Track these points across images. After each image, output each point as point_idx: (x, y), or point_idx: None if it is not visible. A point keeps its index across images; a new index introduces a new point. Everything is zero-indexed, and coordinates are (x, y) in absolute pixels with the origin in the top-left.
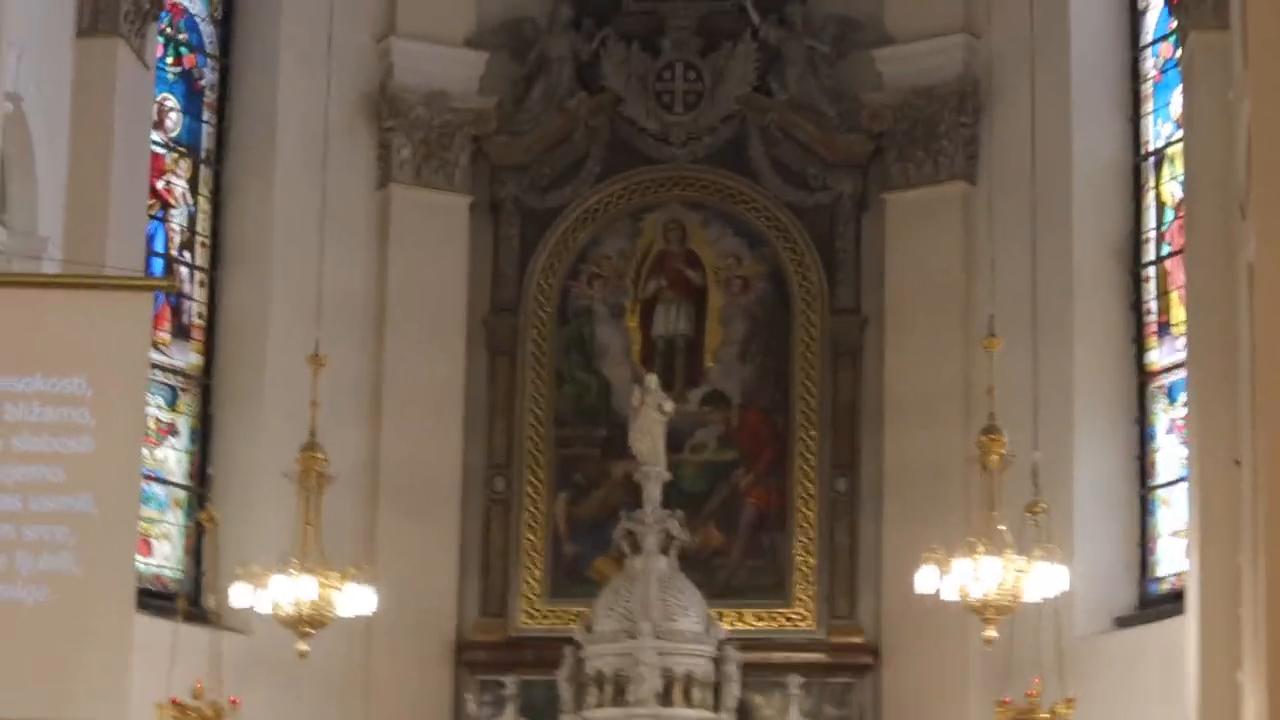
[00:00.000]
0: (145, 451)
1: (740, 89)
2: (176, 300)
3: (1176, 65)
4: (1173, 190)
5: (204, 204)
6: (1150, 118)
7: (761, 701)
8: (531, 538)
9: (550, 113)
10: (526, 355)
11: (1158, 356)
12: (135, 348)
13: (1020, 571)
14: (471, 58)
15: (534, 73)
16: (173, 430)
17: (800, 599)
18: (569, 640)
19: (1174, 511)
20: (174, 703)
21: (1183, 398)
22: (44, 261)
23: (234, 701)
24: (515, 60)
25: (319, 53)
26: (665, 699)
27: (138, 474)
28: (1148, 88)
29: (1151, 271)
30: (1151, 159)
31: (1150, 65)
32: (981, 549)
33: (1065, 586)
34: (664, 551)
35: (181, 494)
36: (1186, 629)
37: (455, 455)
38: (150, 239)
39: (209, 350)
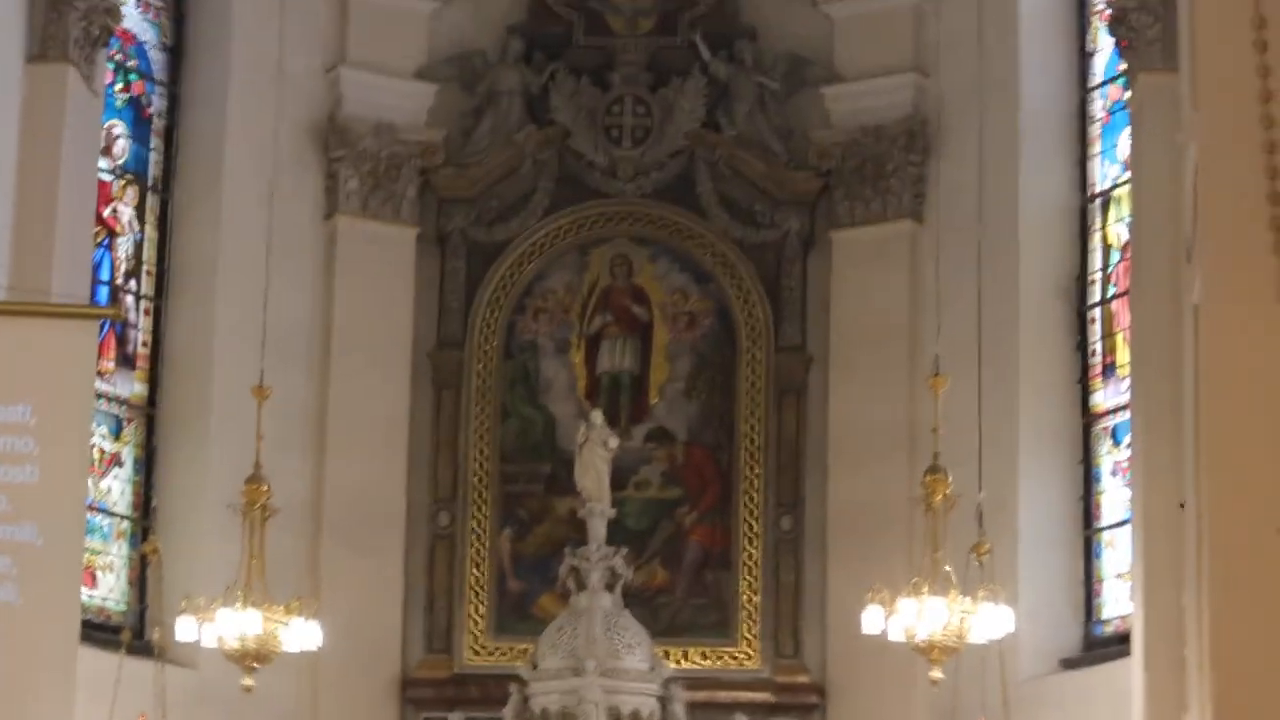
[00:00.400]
0: (90, 482)
1: (689, 124)
2: (121, 329)
3: (1125, 107)
4: (1119, 232)
5: (150, 232)
6: (1098, 159)
7: None
8: (476, 573)
9: (499, 146)
10: (471, 389)
11: (1103, 398)
12: (80, 376)
13: (965, 612)
14: (421, 90)
15: (483, 105)
16: (117, 460)
17: (745, 638)
18: (514, 677)
19: (1118, 553)
20: None
21: (1127, 439)
22: None
23: None
24: (465, 92)
25: (268, 81)
26: None
27: (82, 504)
28: (1096, 129)
29: (1097, 313)
30: (1099, 200)
31: (1099, 107)
32: (926, 589)
33: (1010, 628)
34: (609, 589)
35: (125, 525)
36: (1132, 671)
37: (399, 489)
38: (96, 267)
39: (153, 380)
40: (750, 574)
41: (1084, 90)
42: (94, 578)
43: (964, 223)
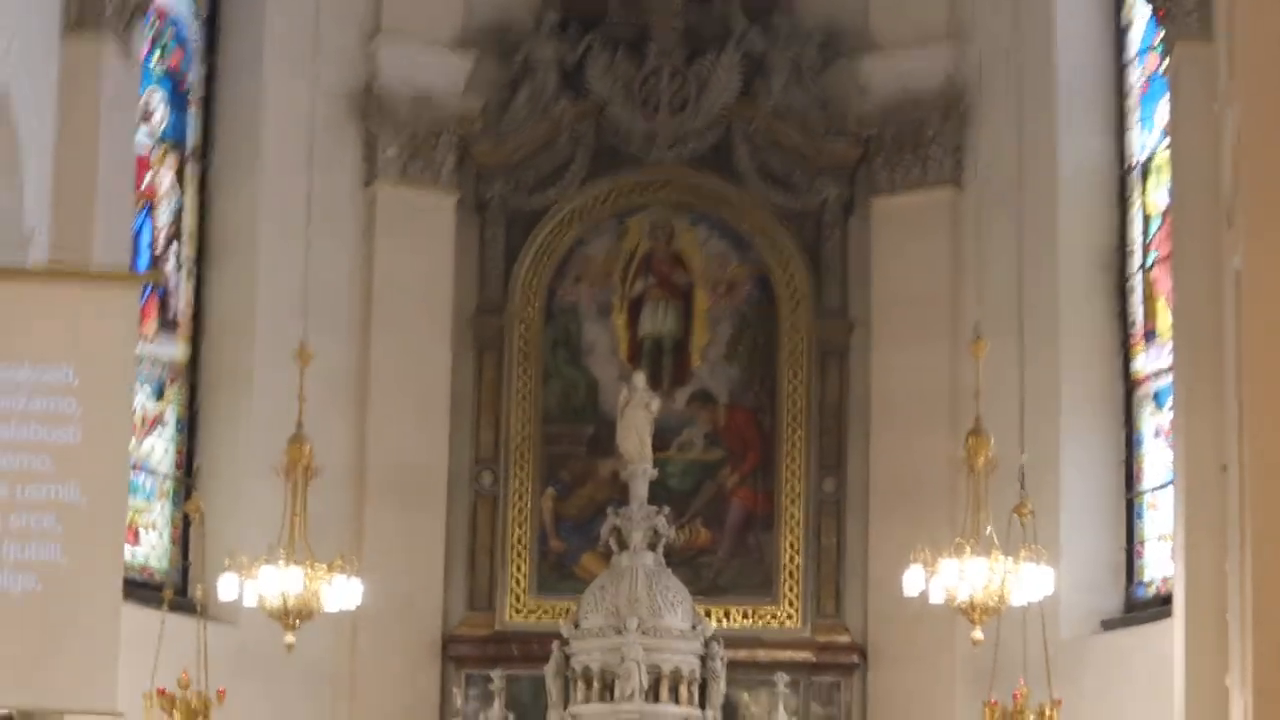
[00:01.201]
0: (132, 442)
1: (726, 97)
2: (164, 293)
3: (1162, 76)
4: (1158, 200)
5: (190, 199)
6: (1136, 128)
7: (748, 699)
8: (518, 532)
9: (536, 117)
10: (513, 352)
11: (1144, 363)
12: (122, 339)
13: (1007, 573)
14: (457, 59)
15: (519, 76)
16: (160, 421)
17: (787, 597)
18: (556, 636)
19: (1160, 516)
20: (160, 693)
21: (1169, 403)
22: (31, 253)
23: (220, 692)
24: (501, 63)
25: (305, 52)
26: (652, 695)
27: (125, 464)
28: (1133, 98)
29: (1138, 279)
30: (1137, 169)
31: (1136, 76)
32: (968, 551)
33: (1051, 589)
34: (651, 548)
35: (168, 484)
36: (1173, 633)
37: (442, 450)
38: (137, 233)
39: (195, 343)
40: (792, 534)
41: (1120, 59)
42: (137, 536)
43: (1003, 189)
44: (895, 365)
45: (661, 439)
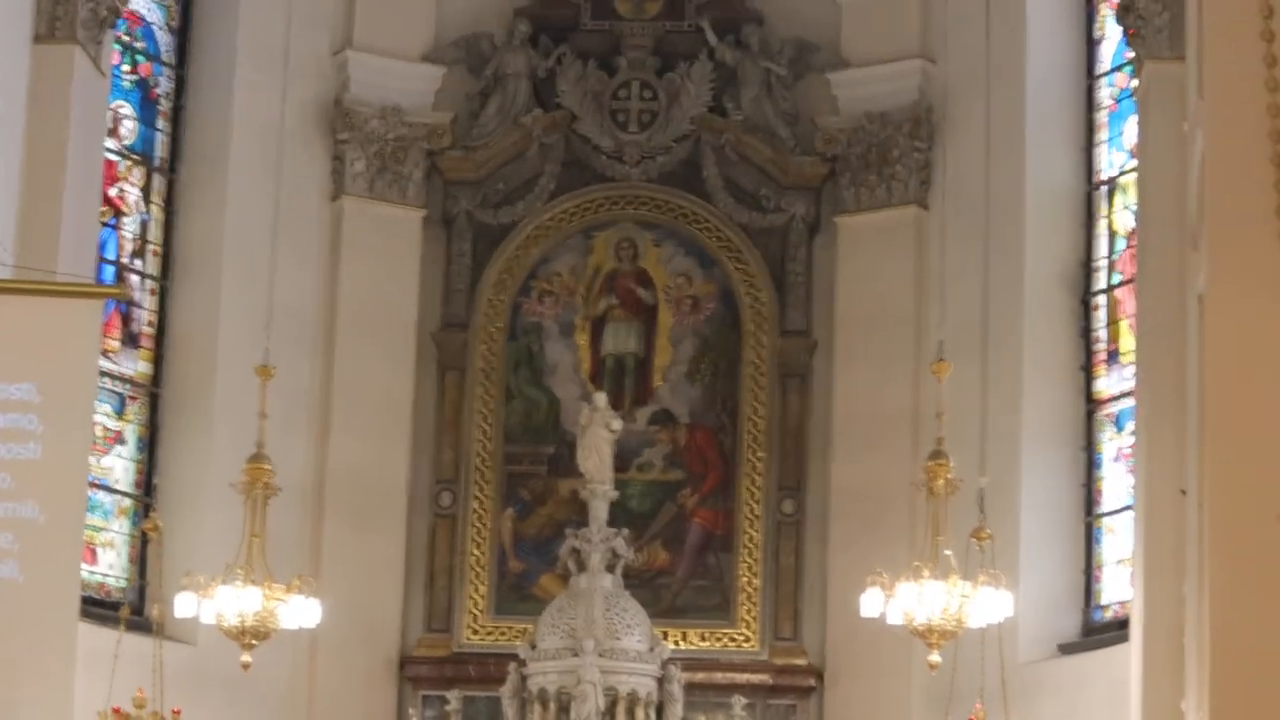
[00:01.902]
0: (92, 459)
1: (696, 109)
2: (127, 309)
3: (1132, 95)
4: (1124, 219)
5: (156, 212)
6: (1104, 146)
7: None
8: (477, 553)
9: (505, 129)
10: (476, 371)
11: (1106, 384)
12: (85, 355)
13: (965, 597)
14: (427, 72)
15: (490, 88)
16: (120, 439)
17: (745, 620)
18: (513, 657)
19: (1119, 539)
20: (116, 712)
21: (1130, 426)
22: None
23: (176, 712)
24: (471, 75)
25: (275, 64)
26: (608, 718)
27: (84, 482)
28: (1102, 116)
29: (1102, 300)
30: (1104, 188)
31: (1106, 94)
32: (926, 573)
33: (1010, 613)
34: (609, 570)
35: (127, 502)
36: (1130, 657)
37: (402, 469)
38: (102, 246)
39: (158, 359)
40: (751, 556)
41: (1090, 77)
42: (95, 554)
43: (969, 209)
44: (857, 386)
45: (622, 459)
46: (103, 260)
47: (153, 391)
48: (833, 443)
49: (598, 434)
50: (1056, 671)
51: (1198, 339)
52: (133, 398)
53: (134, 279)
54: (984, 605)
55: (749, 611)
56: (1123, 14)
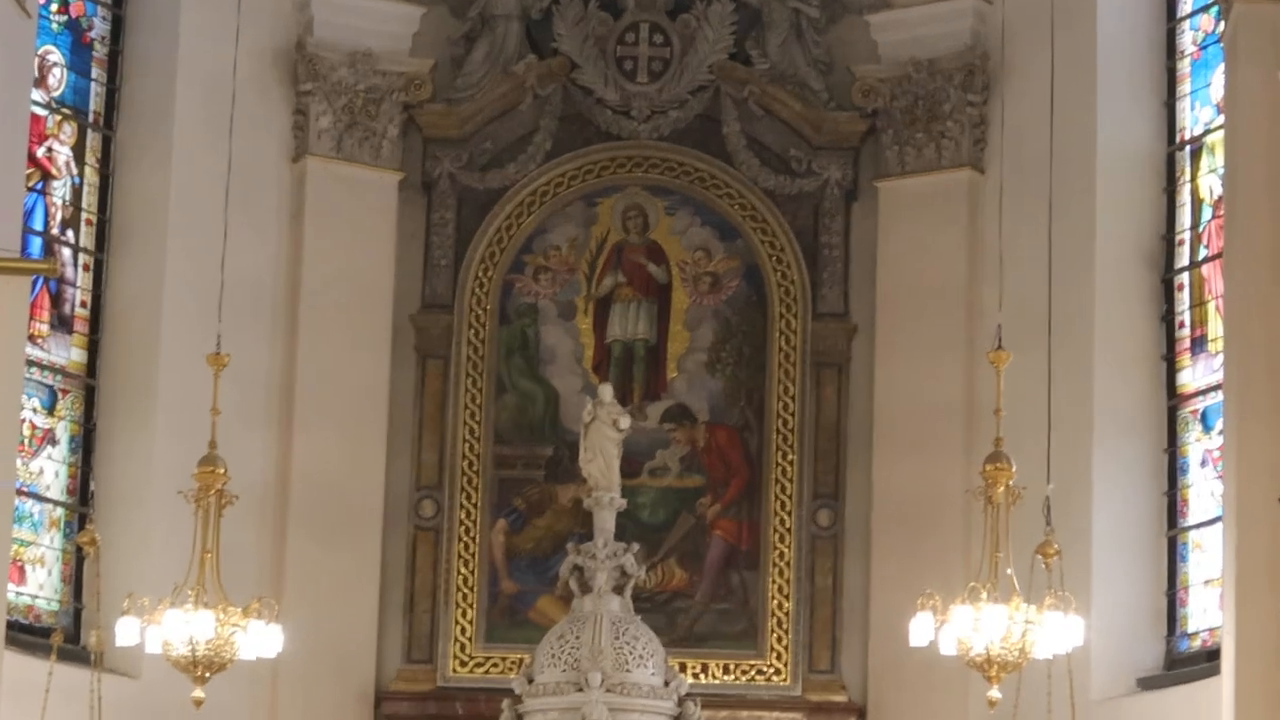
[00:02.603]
0: (19, 462)
1: (714, 56)
2: (57, 286)
3: (1218, 41)
4: (1211, 185)
5: (91, 175)
6: (1187, 100)
7: None
8: (464, 572)
9: (494, 79)
10: (462, 359)
11: (1191, 377)
12: (9, 340)
13: (1029, 623)
14: (403, 12)
15: (476, 32)
16: (51, 438)
17: (774, 649)
18: (506, 692)
19: (1207, 556)
20: None
21: (1219, 425)
22: None
23: None
24: (454, 17)
25: (227, 3)
26: None
27: (10, 489)
28: (1184, 66)
29: (1185, 278)
30: (1187, 148)
31: (1188, 40)
32: (984, 595)
33: (1081, 641)
34: (617, 591)
35: (60, 512)
36: (1220, 692)
37: (377, 474)
38: (28, 215)
39: (94, 345)
40: (781, 576)
41: (1171, 20)
42: (22, 573)
43: (1032, 172)
44: (903, 377)
45: (631, 462)
46: (29, 231)
47: (88, 383)
48: (875, 443)
49: (603, 433)
50: (1135, 709)
51: None
52: (65, 390)
53: (65, 252)
54: (1051, 633)
55: (779, 639)
56: None
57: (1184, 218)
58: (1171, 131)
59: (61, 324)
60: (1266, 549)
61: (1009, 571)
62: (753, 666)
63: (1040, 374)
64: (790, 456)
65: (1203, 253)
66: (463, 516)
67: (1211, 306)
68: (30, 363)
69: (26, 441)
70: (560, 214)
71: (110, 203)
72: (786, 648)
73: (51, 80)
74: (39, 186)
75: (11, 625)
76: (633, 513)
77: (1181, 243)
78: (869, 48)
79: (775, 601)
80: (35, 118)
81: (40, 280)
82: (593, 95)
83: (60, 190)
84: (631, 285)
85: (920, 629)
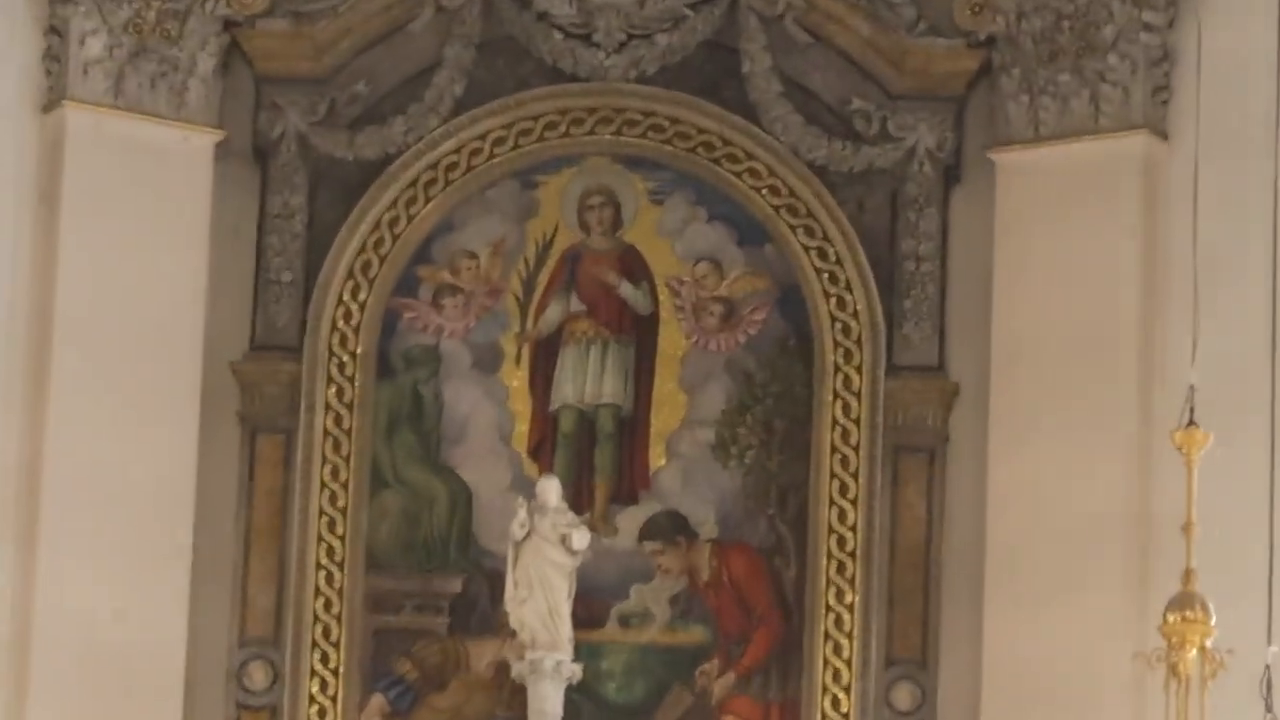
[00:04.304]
0: None
1: None
2: None
3: None
4: None
5: None
6: None
7: None
8: None
9: None
10: (315, 436)
11: None
12: None
13: None
14: None
15: None
16: None
17: None
18: None
19: None
20: None
21: None
22: None
23: None
24: None
25: None
26: None
27: None
28: None
29: None
30: None
31: None
32: None
33: None
34: None
35: None
36: None
37: (178, 623)
38: None
39: None
40: None
41: None
42: None
43: (1240, 141)
44: (1033, 471)
45: (592, 606)
46: None
47: None
48: (986, 580)
49: (545, 556)
50: None
51: None
52: None
53: None
54: None
55: None
56: None
57: None
58: None
59: None
60: None
61: None
62: None
63: (1258, 466)
64: (849, 598)
65: None
66: (315, 690)
67: None
68: None
69: None
70: (478, 200)
71: None
72: None
73: None
74: None
75: None
76: (594, 686)
77: None
78: None
79: None
80: None
81: None
82: (532, 9)
83: None
84: (593, 317)
85: None
